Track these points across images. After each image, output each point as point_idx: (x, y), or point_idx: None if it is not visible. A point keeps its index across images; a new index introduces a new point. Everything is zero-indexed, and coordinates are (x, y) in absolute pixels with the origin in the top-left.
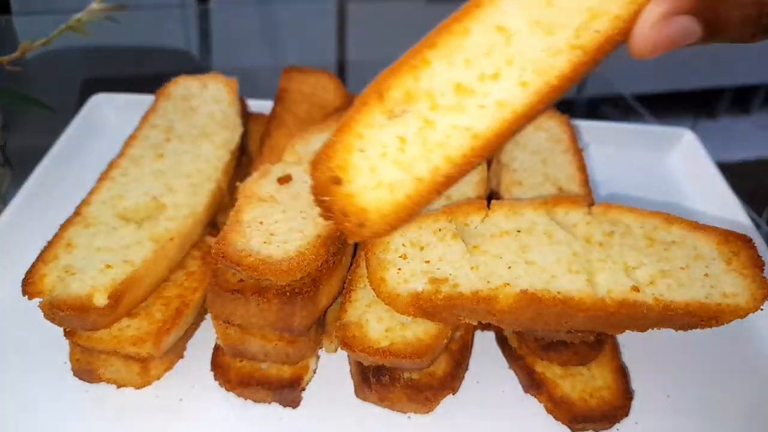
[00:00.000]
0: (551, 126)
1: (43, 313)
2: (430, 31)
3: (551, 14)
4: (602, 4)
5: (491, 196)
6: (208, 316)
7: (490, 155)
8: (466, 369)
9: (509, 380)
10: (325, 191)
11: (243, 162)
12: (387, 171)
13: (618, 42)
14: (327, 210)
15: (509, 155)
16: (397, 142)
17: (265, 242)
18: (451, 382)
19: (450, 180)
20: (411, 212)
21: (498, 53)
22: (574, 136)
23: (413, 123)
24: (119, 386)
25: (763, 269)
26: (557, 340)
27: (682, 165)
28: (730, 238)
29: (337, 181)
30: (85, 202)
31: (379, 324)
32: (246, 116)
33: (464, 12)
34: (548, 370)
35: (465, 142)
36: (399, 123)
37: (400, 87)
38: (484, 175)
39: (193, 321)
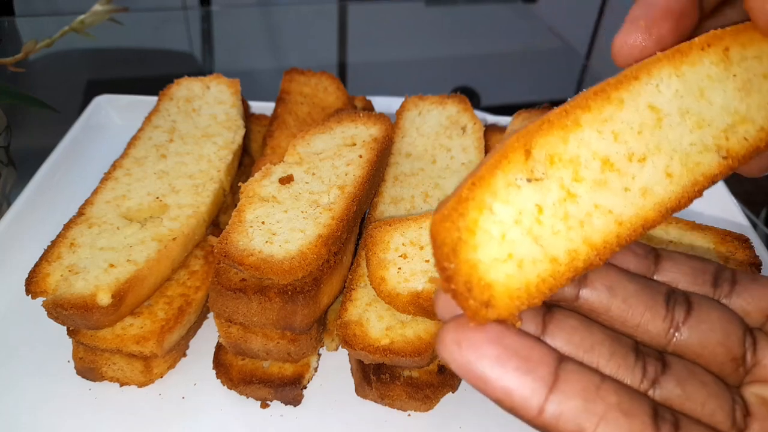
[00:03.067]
0: None
1: (46, 312)
2: (585, 92)
3: (701, 107)
4: (749, 111)
5: None
6: (211, 315)
7: (627, 245)
8: None
9: None
10: (451, 256)
11: (245, 162)
12: (520, 243)
13: (762, 151)
14: (448, 280)
15: None
16: (535, 210)
17: (266, 242)
18: (451, 380)
19: (588, 268)
20: (541, 297)
21: (648, 135)
22: None
23: (555, 191)
24: (122, 384)
25: (761, 269)
26: None
27: None
28: (727, 238)
29: (462, 246)
30: (88, 202)
31: (379, 322)
32: (248, 117)
33: (621, 80)
34: None
35: (608, 227)
36: (539, 188)
37: (546, 146)
38: None
39: (195, 320)
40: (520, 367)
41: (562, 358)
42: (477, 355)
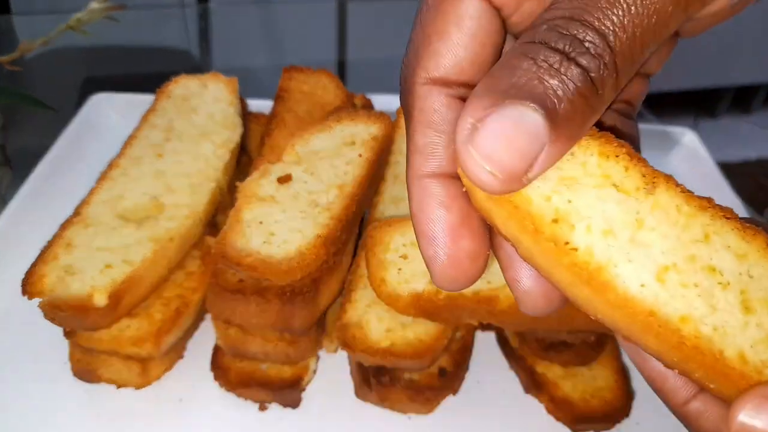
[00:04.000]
0: None
1: (42, 313)
2: None
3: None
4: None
5: None
6: (208, 317)
7: None
8: (467, 369)
9: (510, 381)
10: None
11: (243, 162)
12: None
13: None
14: None
15: None
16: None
17: (265, 242)
18: (451, 382)
19: None
20: None
21: None
22: None
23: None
24: (119, 386)
25: None
26: (558, 341)
27: (683, 165)
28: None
29: None
30: (84, 202)
31: (379, 324)
32: (246, 116)
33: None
34: (549, 370)
35: None
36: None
37: None
38: None
39: (192, 321)
40: None
41: None
42: None
